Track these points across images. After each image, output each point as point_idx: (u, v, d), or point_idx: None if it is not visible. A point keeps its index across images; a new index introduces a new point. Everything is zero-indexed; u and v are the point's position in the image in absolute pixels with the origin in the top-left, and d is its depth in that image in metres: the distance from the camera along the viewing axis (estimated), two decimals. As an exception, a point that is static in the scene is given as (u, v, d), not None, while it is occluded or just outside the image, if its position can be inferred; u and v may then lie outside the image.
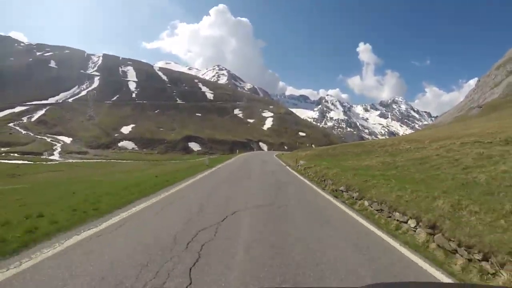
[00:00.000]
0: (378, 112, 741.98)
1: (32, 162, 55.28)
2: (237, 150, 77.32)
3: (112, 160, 61.84)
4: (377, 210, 6.54)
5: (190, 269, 3.39)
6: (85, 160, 60.22)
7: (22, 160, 58.43)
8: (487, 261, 3.51)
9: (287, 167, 21.82)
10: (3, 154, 64.00)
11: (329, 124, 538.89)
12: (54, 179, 30.17)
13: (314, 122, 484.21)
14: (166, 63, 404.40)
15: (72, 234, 4.67)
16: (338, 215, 6.57)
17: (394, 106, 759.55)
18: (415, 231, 5.05)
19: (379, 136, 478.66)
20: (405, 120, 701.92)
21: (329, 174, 11.75)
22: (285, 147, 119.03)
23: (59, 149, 70.12)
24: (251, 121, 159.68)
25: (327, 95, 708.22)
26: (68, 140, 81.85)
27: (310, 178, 13.78)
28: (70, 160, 59.20)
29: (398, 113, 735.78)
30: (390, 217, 5.94)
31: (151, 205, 7.27)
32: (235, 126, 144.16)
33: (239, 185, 11.13)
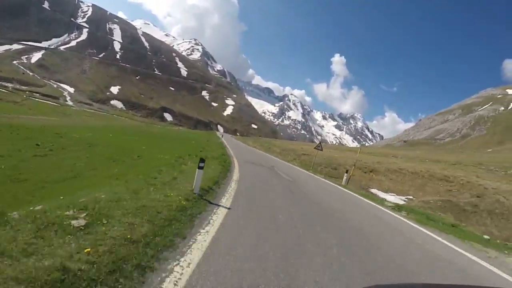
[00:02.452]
0: (335, 123, 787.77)
1: (59, 105, 79.19)
2: (222, 131, 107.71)
3: (114, 115, 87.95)
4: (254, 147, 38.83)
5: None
6: (95, 111, 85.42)
7: (48, 101, 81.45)
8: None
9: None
10: (27, 93, 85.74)
11: (286, 122, 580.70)
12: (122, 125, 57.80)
13: (272, 117, 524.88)
14: (145, 23, 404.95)
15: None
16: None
17: (351, 121, 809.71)
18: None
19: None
20: (358, 136, 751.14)
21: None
22: (238, 134, 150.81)
23: (68, 97, 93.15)
24: (214, 104, 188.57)
25: (291, 94, 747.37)
26: (71, 89, 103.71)
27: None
28: (84, 109, 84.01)
29: (353, 129, 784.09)
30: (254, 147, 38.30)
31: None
32: (201, 106, 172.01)
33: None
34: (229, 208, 5.12)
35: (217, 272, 2.75)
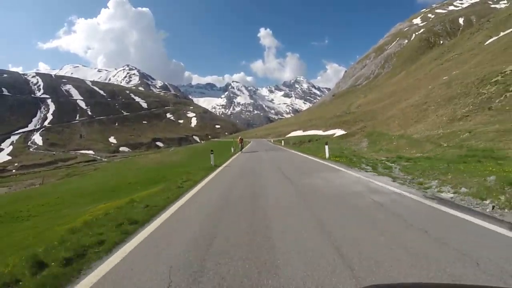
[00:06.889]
0: (282, 93, 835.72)
1: (107, 161, 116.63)
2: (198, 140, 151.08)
3: (136, 156, 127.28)
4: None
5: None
6: (126, 158, 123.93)
7: (99, 164, 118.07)
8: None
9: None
10: (78, 163, 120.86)
11: (237, 109, 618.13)
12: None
13: (222, 109, 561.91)
14: (74, 67, 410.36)
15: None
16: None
17: (297, 86, 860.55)
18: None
19: (285, 115, 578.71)
20: (307, 97, 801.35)
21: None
22: (209, 137, 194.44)
23: (99, 157, 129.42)
24: (181, 121, 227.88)
25: (233, 81, 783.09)
26: (89, 152, 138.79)
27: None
28: (121, 159, 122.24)
29: (300, 92, 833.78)
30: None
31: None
32: (172, 127, 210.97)
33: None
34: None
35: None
